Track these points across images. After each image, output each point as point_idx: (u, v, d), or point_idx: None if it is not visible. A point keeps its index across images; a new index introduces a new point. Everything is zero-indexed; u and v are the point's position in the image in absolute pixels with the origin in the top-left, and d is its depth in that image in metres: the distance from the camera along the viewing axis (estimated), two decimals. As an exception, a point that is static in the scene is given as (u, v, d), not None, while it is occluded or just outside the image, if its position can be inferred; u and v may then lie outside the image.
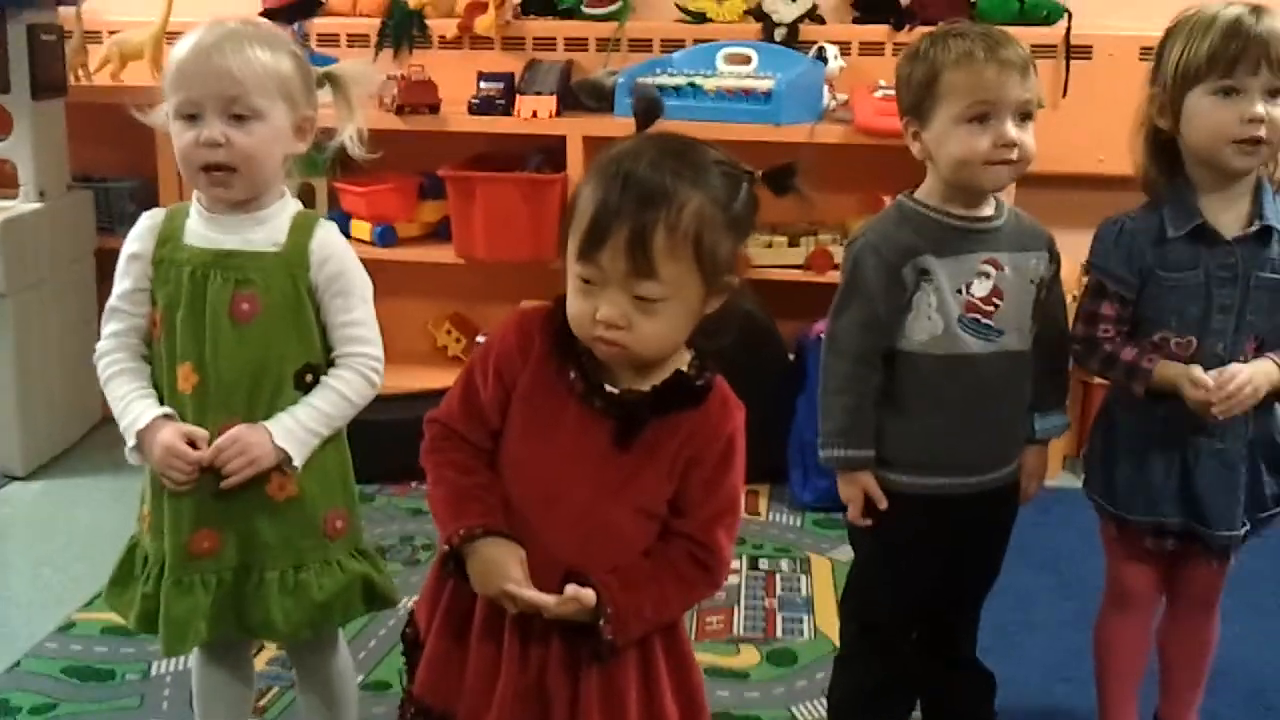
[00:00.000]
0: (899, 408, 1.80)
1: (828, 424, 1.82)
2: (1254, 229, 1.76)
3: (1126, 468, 1.84)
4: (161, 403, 1.68)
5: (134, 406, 1.66)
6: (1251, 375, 1.73)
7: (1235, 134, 1.72)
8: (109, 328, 1.71)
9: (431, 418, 1.49)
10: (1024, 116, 1.73)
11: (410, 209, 3.44)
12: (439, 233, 3.44)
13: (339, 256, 1.71)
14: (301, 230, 1.70)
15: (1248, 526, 1.83)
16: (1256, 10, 1.74)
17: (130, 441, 1.66)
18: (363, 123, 1.80)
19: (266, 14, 3.51)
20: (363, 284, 1.73)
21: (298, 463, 1.67)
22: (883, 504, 1.80)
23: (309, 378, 1.70)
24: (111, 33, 3.53)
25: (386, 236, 3.38)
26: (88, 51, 3.53)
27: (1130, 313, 1.81)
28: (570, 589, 1.37)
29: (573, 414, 1.40)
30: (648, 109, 1.45)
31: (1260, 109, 1.71)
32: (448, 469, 1.45)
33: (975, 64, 1.71)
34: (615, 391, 1.40)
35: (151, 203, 1.81)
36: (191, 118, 1.64)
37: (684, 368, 1.42)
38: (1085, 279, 1.89)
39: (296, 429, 1.67)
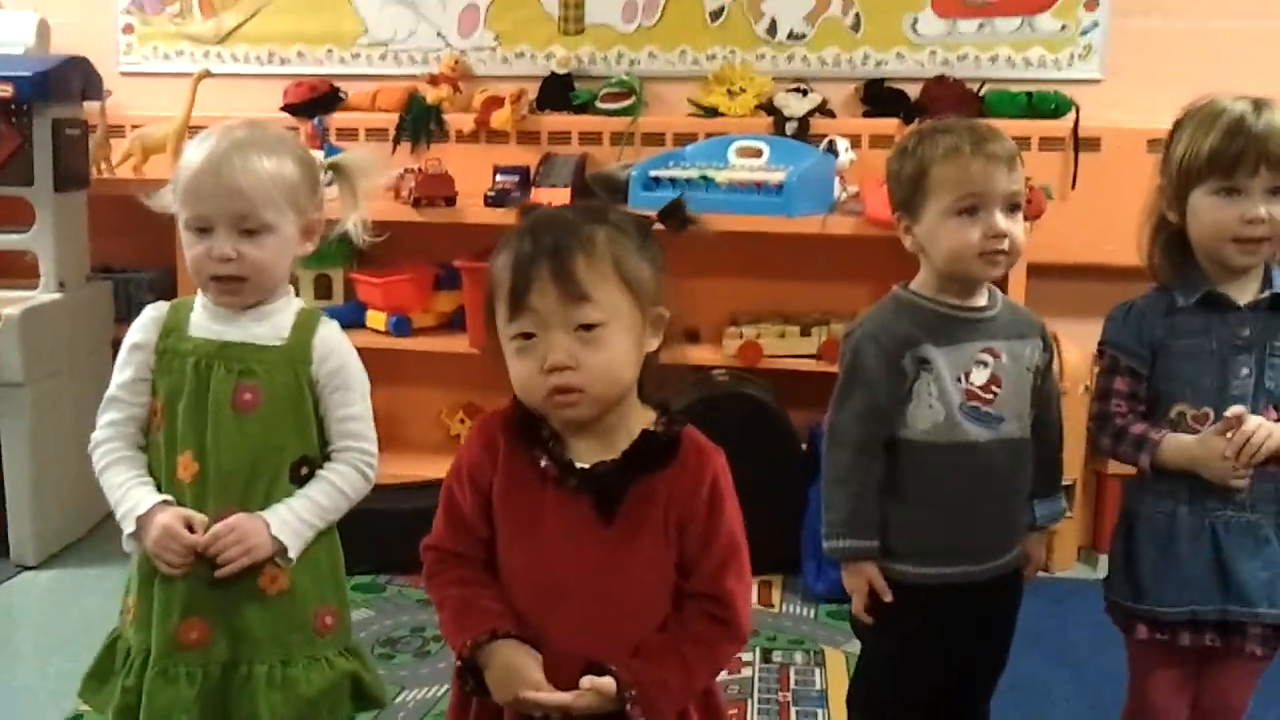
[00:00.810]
0: (901, 497, 1.80)
1: (831, 514, 1.82)
2: (1265, 296, 1.77)
3: (1151, 558, 1.80)
4: (159, 491, 1.68)
5: (133, 494, 1.68)
6: (1262, 421, 1.70)
7: (1236, 233, 1.74)
8: (106, 417, 1.73)
9: (425, 545, 1.50)
10: (1012, 208, 1.76)
11: (425, 299, 3.47)
12: (453, 323, 3.47)
13: (341, 353, 1.74)
14: (305, 326, 1.73)
15: None
16: (1259, 106, 1.75)
17: (129, 528, 1.67)
18: (366, 212, 1.83)
19: (287, 109, 3.59)
20: (362, 381, 1.76)
21: (293, 555, 1.68)
22: (887, 595, 1.80)
23: (304, 470, 1.72)
24: (134, 127, 3.61)
25: (401, 326, 3.41)
26: (111, 145, 3.60)
27: (1144, 388, 1.81)
28: (586, 680, 1.35)
29: (552, 500, 1.40)
30: (608, 188, 1.50)
31: (1261, 210, 1.72)
32: (449, 588, 1.45)
33: (962, 158, 1.74)
34: (586, 466, 1.40)
35: (170, 292, 1.84)
36: (201, 231, 1.67)
37: (650, 427, 1.43)
38: (1098, 363, 1.89)
39: (293, 520, 1.68)
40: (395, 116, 3.56)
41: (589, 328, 1.34)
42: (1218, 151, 1.74)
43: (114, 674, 1.73)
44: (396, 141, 3.54)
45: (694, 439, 1.44)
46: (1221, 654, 1.82)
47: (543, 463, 1.40)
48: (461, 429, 3.62)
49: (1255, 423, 1.70)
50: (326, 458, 1.74)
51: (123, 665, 1.72)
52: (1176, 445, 1.76)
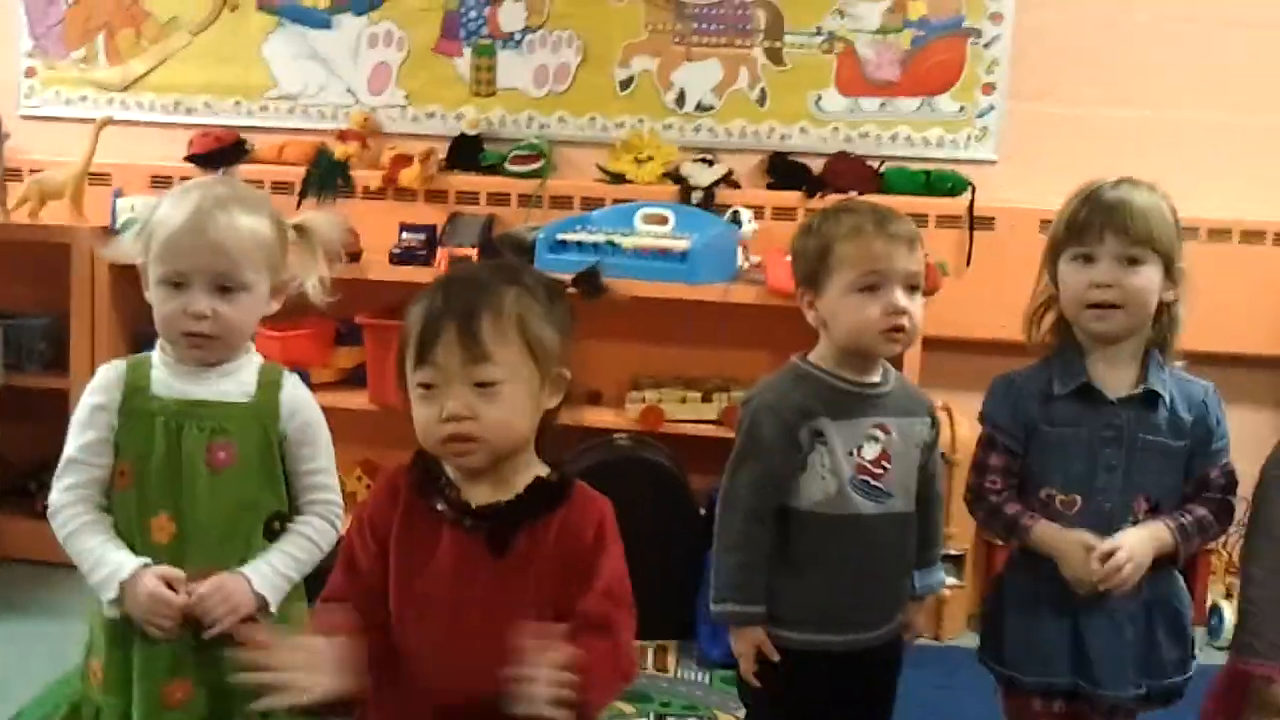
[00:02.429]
0: (790, 565, 1.83)
1: (720, 579, 1.85)
2: (1139, 391, 1.83)
3: (1017, 628, 1.87)
4: (133, 552, 1.67)
5: (110, 558, 1.66)
6: (1132, 552, 1.77)
7: (1087, 298, 1.81)
8: (65, 480, 1.70)
9: (321, 598, 1.50)
10: (912, 287, 1.81)
11: (326, 355, 3.44)
12: (353, 379, 3.44)
13: (307, 408, 1.78)
14: (271, 383, 1.75)
15: (1142, 691, 1.85)
16: (1121, 183, 1.84)
17: (111, 594, 1.65)
18: (326, 271, 1.85)
19: (192, 159, 3.56)
20: (326, 435, 1.79)
21: (274, 609, 1.68)
22: (775, 657, 1.82)
23: (276, 524, 1.73)
24: (33, 171, 3.54)
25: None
26: (7, 188, 3.52)
27: (1019, 465, 1.87)
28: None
29: (447, 541, 1.43)
30: (515, 249, 1.54)
31: (1107, 275, 1.79)
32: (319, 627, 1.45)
33: (865, 237, 1.80)
34: (481, 505, 1.44)
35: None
36: (176, 287, 1.67)
37: (542, 475, 1.47)
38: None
39: (272, 575, 1.69)
40: (302, 170, 3.55)
41: (487, 384, 1.39)
42: (1072, 219, 1.83)
43: None
44: (302, 196, 3.52)
45: (583, 488, 1.49)
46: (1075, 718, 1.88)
47: (439, 506, 1.44)
48: (358, 486, 3.57)
49: (1125, 557, 1.77)
50: (296, 511, 1.75)
51: None
52: (1045, 536, 1.83)
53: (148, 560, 1.66)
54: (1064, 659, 1.83)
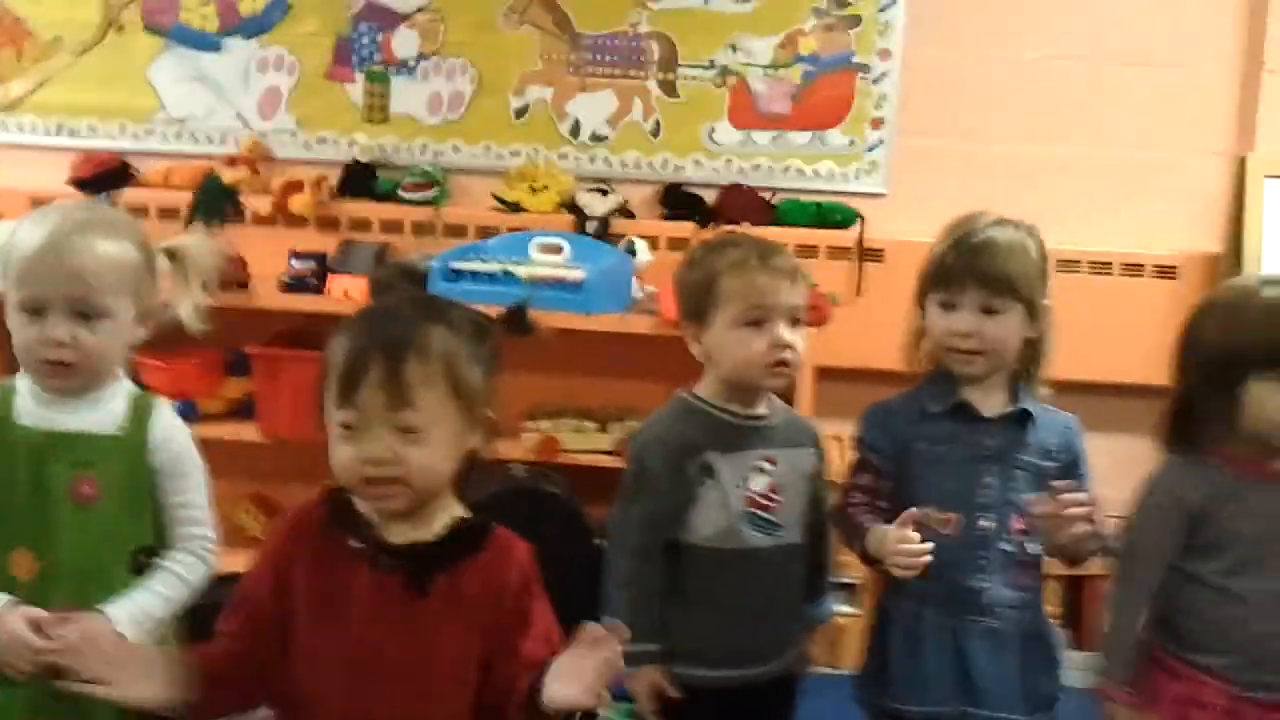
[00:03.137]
0: (683, 600, 1.83)
1: (611, 618, 1.83)
2: (1013, 410, 1.87)
3: (898, 657, 1.88)
4: None
5: None
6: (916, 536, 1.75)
7: (950, 345, 1.85)
8: None
9: (215, 633, 1.45)
10: (795, 320, 1.83)
11: (214, 385, 3.37)
12: (242, 410, 3.37)
13: (179, 440, 1.72)
14: (141, 413, 1.69)
15: (1022, 716, 1.86)
16: (987, 224, 1.86)
17: None
18: (200, 298, 1.81)
19: (75, 183, 3.46)
20: (198, 467, 1.73)
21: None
22: (673, 694, 1.81)
23: (143, 559, 1.67)
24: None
25: (187, 413, 3.28)
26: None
27: (889, 487, 1.88)
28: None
29: (362, 582, 1.40)
30: (409, 278, 1.52)
31: (967, 324, 1.82)
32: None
33: (749, 271, 1.81)
34: (399, 544, 1.41)
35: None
36: (35, 313, 1.61)
37: (460, 516, 1.45)
38: None
39: (139, 614, 1.63)
40: (189, 195, 3.47)
41: (410, 430, 1.36)
42: (939, 264, 1.87)
43: None
44: (189, 221, 3.43)
45: (503, 531, 1.46)
46: None
47: (354, 544, 1.40)
48: (248, 519, 3.50)
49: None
50: (165, 545, 1.69)
51: None
52: (872, 536, 1.82)
53: (12, 598, 1.59)
54: (950, 686, 1.85)
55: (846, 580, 2.95)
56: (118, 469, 1.66)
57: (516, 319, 1.49)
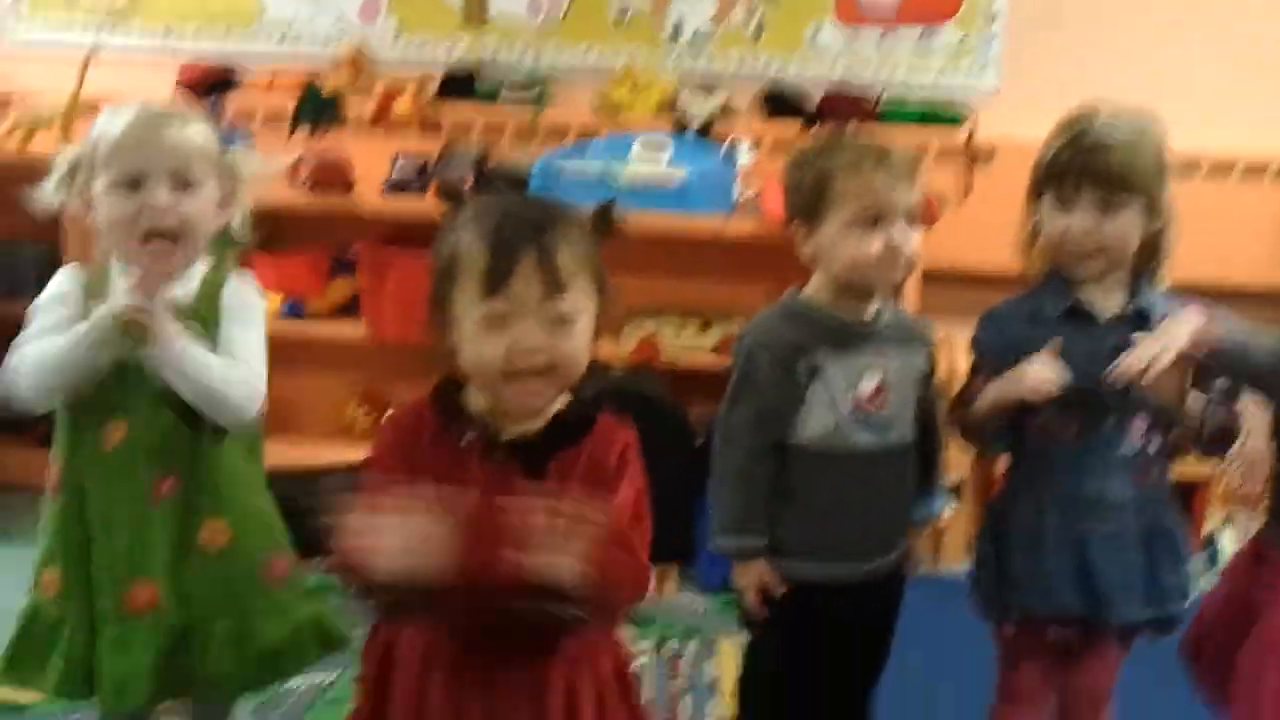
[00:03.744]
0: (791, 498, 1.83)
1: (720, 514, 1.85)
2: (1129, 310, 1.83)
3: (1021, 563, 1.86)
4: (82, 459, 1.67)
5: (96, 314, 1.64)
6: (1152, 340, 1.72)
7: (1065, 244, 1.80)
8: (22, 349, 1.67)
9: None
10: (911, 220, 1.79)
11: (320, 285, 3.43)
12: (348, 309, 3.43)
13: (242, 293, 1.77)
14: (216, 278, 1.75)
15: (1149, 615, 1.85)
16: (1104, 118, 1.80)
17: (106, 324, 1.61)
18: (247, 207, 1.82)
19: (183, 89, 3.51)
20: (259, 320, 1.76)
21: (160, 332, 1.62)
22: (779, 590, 1.82)
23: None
24: (21, 100, 3.49)
25: (295, 311, 3.36)
26: (-5, 118, 3.49)
27: None
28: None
29: (475, 476, 1.40)
30: (510, 182, 1.52)
31: (1083, 224, 1.78)
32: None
33: (865, 171, 1.77)
34: (511, 437, 1.42)
35: (55, 268, 1.81)
36: (132, 187, 1.65)
37: (566, 406, 1.46)
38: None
39: (185, 334, 1.66)
40: (293, 101, 3.50)
41: (563, 318, 1.38)
42: (1053, 161, 1.82)
43: (41, 653, 1.68)
44: (294, 126, 3.47)
45: (607, 417, 1.48)
46: (1084, 647, 1.89)
47: (466, 439, 1.41)
48: (358, 415, 3.58)
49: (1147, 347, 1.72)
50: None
51: (50, 642, 1.68)
52: (998, 382, 1.81)
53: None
54: (1072, 587, 1.83)
55: (949, 480, 2.93)
56: (196, 331, 1.69)
57: (603, 217, 1.48)
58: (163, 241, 1.67)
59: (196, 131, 1.72)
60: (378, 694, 1.48)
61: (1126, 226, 1.79)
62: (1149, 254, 1.84)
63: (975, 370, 1.90)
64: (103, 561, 1.67)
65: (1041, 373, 1.76)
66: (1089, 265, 1.81)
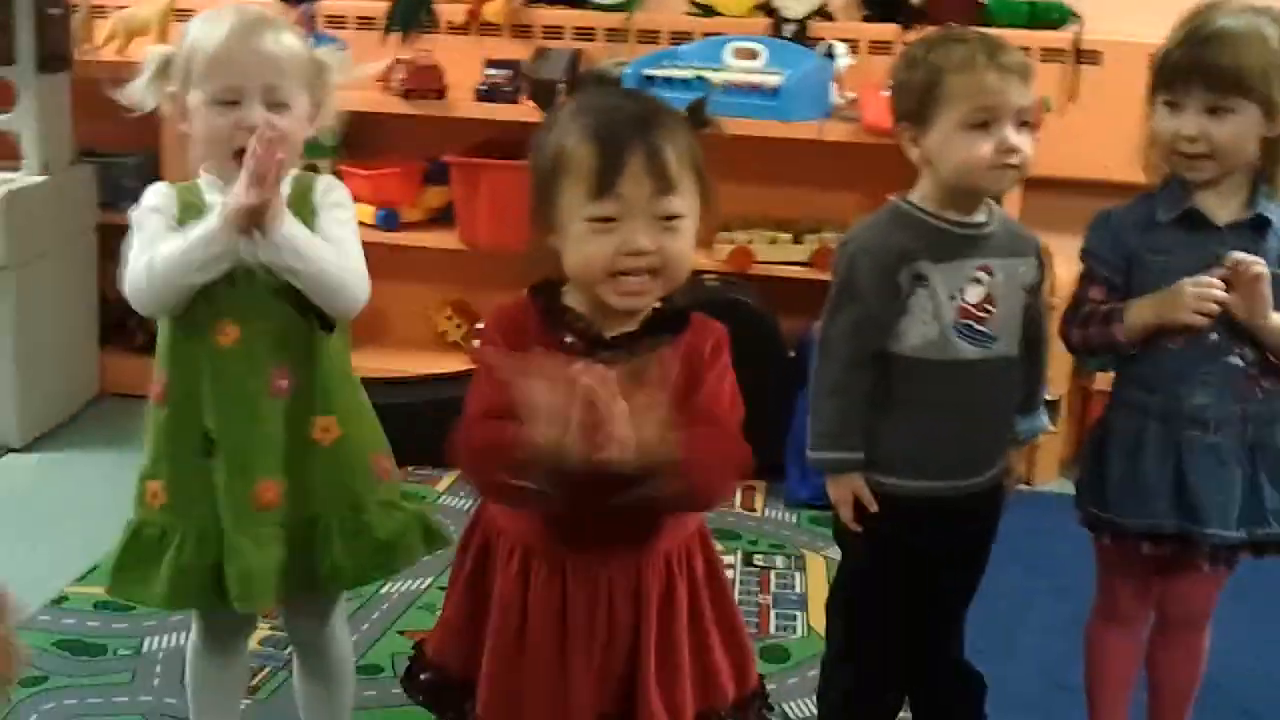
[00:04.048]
0: (889, 410, 1.80)
1: (817, 426, 1.82)
2: (1248, 217, 1.77)
3: (1119, 469, 1.83)
4: (193, 363, 1.69)
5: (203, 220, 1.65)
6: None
7: (1174, 148, 1.75)
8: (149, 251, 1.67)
9: (461, 428, 1.43)
10: (1024, 123, 1.73)
11: (414, 194, 3.43)
12: (442, 218, 3.44)
13: (337, 188, 1.78)
14: (307, 179, 1.76)
15: (1244, 536, 1.81)
16: (1224, 12, 1.73)
17: (220, 223, 1.62)
18: (334, 109, 1.81)
19: (275, -8, 3.51)
20: (351, 215, 1.77)
21: (276, 226, 1.63)
22: (872, 506, 1.80)
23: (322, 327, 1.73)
24: (119, 8, 3.52)
25: (389, 220, 3.37)
26: (93, 26, 3.52)
27: (1117, 300, 1.81)
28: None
29: None
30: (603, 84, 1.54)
31: (1192, 127, 1.73)
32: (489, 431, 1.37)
33: (977, 70, 1.71)
34: (612, 336, 1.43)
35: (154, 178, 1.82)
36: (229, 103, 1.66)
37: (660, 305, 1.46)
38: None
39: (299, 224, 1.68)
40: (385, 5, 3.48)
41: (672, 217, 1.37)
42: (1165, 59, 1.76)
43: (150, 562, 1.72)
44: (386, 31, 3.46)
45: (700, 315, 1.49)
46: (1180, 565, 1.85)
47: (568, 339, 1.42)
48: (449, 325, 3.60)
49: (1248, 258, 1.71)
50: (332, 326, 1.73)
51: (157, 551, 1.71)
52: (1142, 301, 1.77)
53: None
54: (1169, 500, 1.79)
55: (1046, 397, 2.88)
56: None
57: (696, 115, 1.45)
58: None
59: (293, 42, 1.71)
60: (476, 591, 1.51)
61: (1239, 129, 1.72)
62: (1270, 159, 1.77)
63: (1087, 278, 1.84)
64: (227, 462, 1.69)
65: (1207, 294, 1.71)
66: (1199, 170, 1.75)
